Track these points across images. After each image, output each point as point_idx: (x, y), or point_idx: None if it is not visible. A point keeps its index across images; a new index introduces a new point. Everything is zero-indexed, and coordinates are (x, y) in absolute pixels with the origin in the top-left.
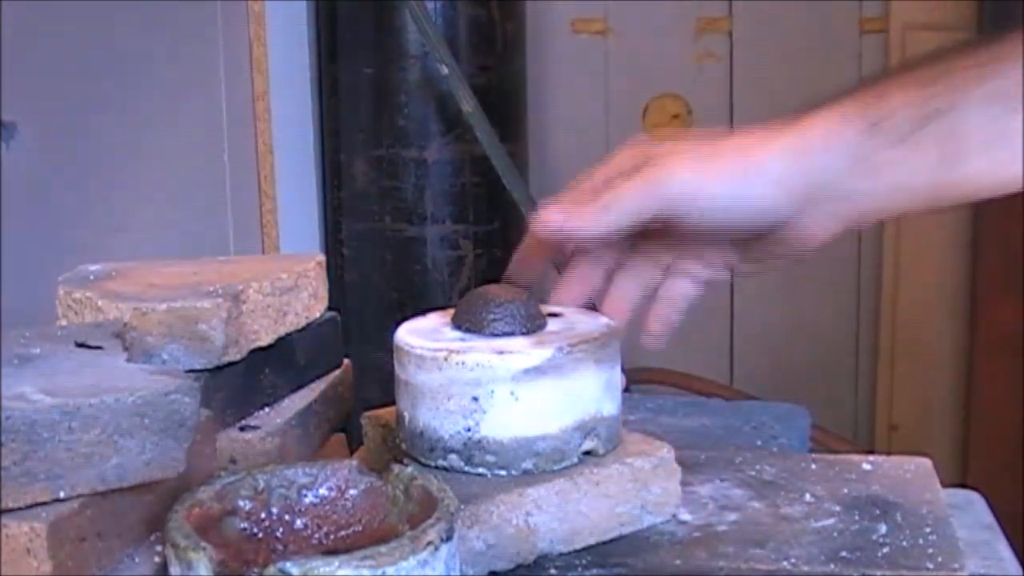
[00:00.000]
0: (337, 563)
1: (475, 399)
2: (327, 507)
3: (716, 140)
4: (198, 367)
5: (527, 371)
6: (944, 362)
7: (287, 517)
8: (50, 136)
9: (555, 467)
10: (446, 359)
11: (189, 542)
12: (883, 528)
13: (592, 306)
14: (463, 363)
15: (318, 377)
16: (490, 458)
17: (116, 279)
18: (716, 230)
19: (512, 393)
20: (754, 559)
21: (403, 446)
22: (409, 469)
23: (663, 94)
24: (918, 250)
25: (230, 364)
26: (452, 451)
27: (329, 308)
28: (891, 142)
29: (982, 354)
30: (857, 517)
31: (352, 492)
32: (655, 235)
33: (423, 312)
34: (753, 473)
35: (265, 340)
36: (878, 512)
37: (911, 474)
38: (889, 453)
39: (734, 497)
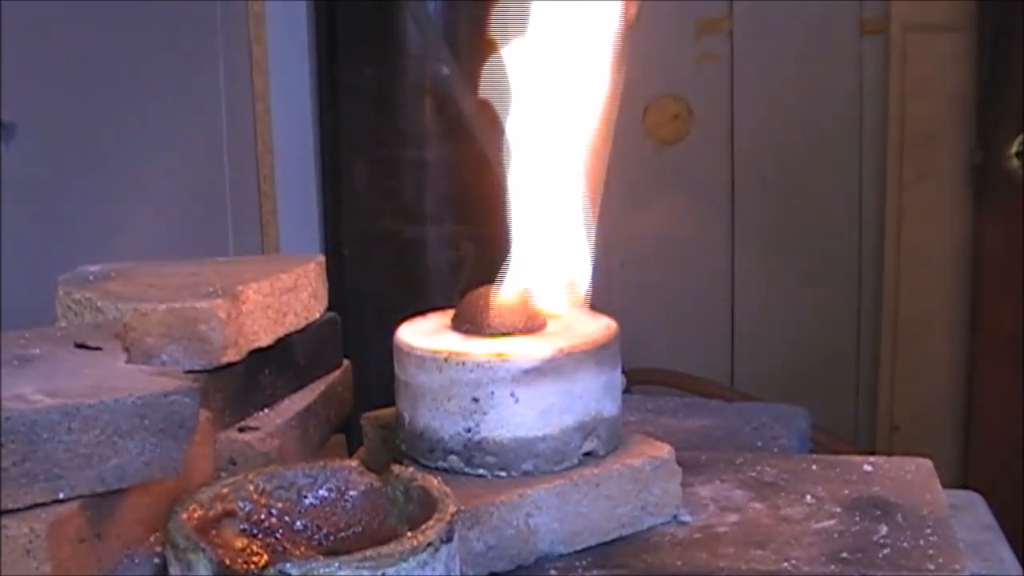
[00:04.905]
0: (337, 564)
1: (475, 400)
2: (327, 508)
3: None
4: (197, 368)
5: (527, 372)
6: (945, 363)
7: (287, 518)
8: (50, 136)
9: (555, 468)
10: (446, 360)
11: (189, 543)
12: (884, 529)
13: (592, 306)
14: (463, 364)
15: (318, 377)
16: (490, 459)
17: (116, 279)
18: None
19: (512, 394)
20: (755, 560)
21: (403, 447)
22: (409, 470)
23: (663, 94)
24: (919, 250)
25: (229, 365)
26: (452, 452)
27: (329, 308)
28: None
29: (983, 355)
30: (858, 518)
31: (352, 493)
32: None
33: (423, 312)
34: (754, 474)
35: (265, 340)
36: (879, 513)
37: (912, 475)
38: (890, 454)
39: (735, 498)
